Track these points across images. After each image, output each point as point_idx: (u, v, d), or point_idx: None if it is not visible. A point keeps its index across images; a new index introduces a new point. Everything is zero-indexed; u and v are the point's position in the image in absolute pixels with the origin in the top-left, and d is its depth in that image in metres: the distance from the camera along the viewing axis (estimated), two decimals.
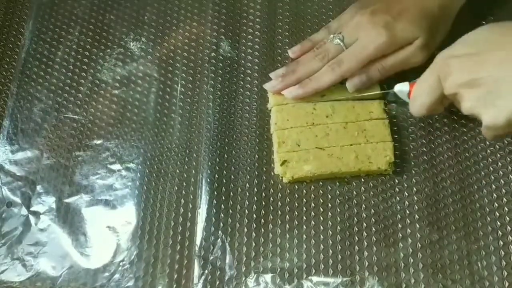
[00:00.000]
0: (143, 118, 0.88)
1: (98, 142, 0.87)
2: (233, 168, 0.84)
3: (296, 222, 0.79)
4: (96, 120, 0.89)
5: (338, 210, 0.80)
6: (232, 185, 0.83)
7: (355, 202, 0.80)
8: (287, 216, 0.80)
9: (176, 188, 0.83)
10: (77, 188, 0.84)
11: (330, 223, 0.79)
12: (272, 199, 0.81)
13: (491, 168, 0.81)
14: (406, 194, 0.80)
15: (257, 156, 0.84)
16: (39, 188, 0.84)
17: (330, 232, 0.78)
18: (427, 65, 0.75)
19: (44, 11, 0.99)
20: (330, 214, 0.79)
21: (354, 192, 0.81)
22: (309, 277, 0.76)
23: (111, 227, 0.81)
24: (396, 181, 0.81)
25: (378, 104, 0.84)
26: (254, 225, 0.80)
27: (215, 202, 0.81)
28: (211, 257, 0.78)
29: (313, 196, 0.81)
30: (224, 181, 0.83)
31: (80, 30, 0.97)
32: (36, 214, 0.82)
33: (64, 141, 0.88)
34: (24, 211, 0.83)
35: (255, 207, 0.81)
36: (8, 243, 0.81)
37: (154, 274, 0.78)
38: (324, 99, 0.84)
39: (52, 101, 0.91)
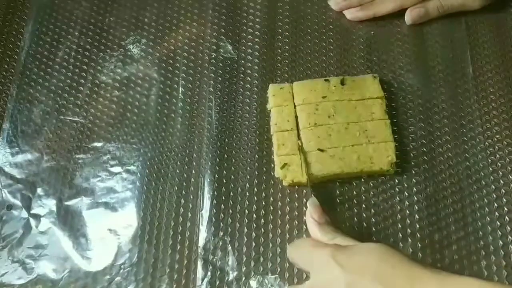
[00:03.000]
0: (144, 120, 0.88)
1: (99, 144, 0.87)
2: (233, 169, 0.84)
3: (297, 222, 0.79)
4: (96, 121, 0.89)
5: (338, 210, 0.80)
6: (232, 185, 0.83)
7: (355, 202, 0.80)
8: (288, 216, 0.80)
9: (176, 188, 0.83)
10: (77, 191, 0.84)
11: None
12: (272, 199, 0.81)
13: (491, 168, 0.81)
14: (406, 194, 0.80)
15: (257, 157, 0.84)
16: (39, 190, 0.84)
17: None
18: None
19: (44, 12, 0.99)
20: (330, 214, 0.79)
21: (354, 192, 0.81)
22: (309, 278, 0.75)
23: (112, 229, 0.81)
24: (396, 181, 0.81)
25: (379, 105, 0.84)
26: (254, 225, 0.80)
27: (215, 202, 0.81)
28: (214, 259, 0.78)
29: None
30: (225, 181, 0.83)
31: (80, 31, 0.97)
32: (37, 216, 0.82)
33: (65, 143, 0.87)
34: (24, 213, 0.83)
35: (255, 207, 0.81)
36: (9, 246, 0.81)
37: (156, 276, 0.78)
38: (326, 100, 0.84)
39: (52, 102, 0.91)
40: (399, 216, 0.79)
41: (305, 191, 0.81)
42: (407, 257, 0.64)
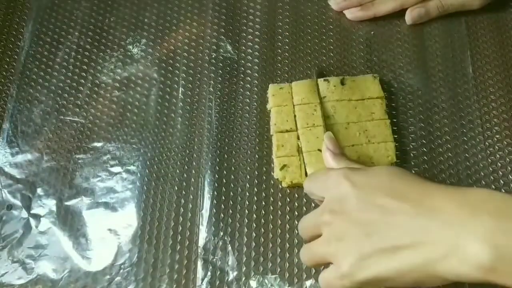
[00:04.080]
0: (144, 120, 0.88)
1: (99, 144, 0.87)
2: (233, 169, 0.84)
3: (296, 222, 0.79)
4: (96, 121, 0.89)
5: None
6: (232, 185, 0.83)
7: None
8: (287, 216, 0.80)
9: (176, 188, 0.83)
10: (77, 191, 0.84)
11: None
12: (272, 199, 0.81)
13: (491, 168, 0.81)
14: None
15: (257, 157, 0.84)
16: (39, 190, 0.84)
17: None
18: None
19: (44, 12, 0.99)
20: None
21: None
22: (310, 278, 0.76)
23: (112, 229, 0.81)
24: None
25: (379, 105, 0.84)
26: (254, 225, 0.80)
27: (215, 202, 0.81)
28: (214, 259, 0.78)
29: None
30: (225, 181, 0.83)
31: (80, 31, 0.97)
32: (37, 216, 0.82)
33: (65, 143, 0.87)
34: (24, 213, 0.83)
35: (255, 207, 0.81)
36: (9, 246, 0.81)
37: (155, 276, 0.78)
38: (325, 100, 0.84)
39: (52, 103, 0.91)
40: None
41: (305, 191, 0.81)
42: (418, 176, 0.65)
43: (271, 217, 0.80)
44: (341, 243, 0.63)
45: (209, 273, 0.77)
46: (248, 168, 0.84)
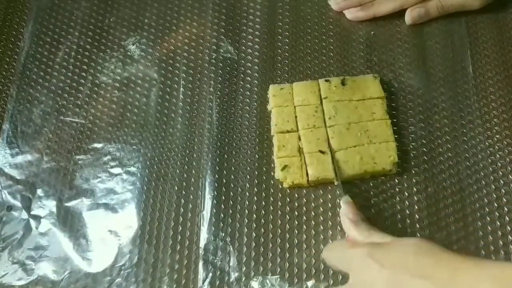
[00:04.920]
0: (144, 120, 0.88)
1: (99, 145, 0.87)
2: (233, 169, 0.84)
3: (296, 223, 0.79)
4: (96, 122, 0.89)
5: (338, 210, 0.79)
6: (232, 186, 0.83)
7: (355, 202, 0.80)
8: (287, 216, 0.80)
9: (176, 189, 0.83)
10: (77, 192, 0.84)
11: (331, 223, 0.79)
12: (272, 199, 0.81)
13: (491, 168, 0.81)
14: (406, 194, 0.80)
15: (257, 157, 0.84)
16: (39, 191, 0.84)
17: (330, 232, 0.78)
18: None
19: (44, 12, 0.99)
20: (330, 214, 0.80)
21: (354, 193, 0.81)
22: (310, 278, 0.76)
23: (112, 230, 0.81)
24: (396, 181, 0.81)
25: (380, 105, 0.84)
26: (255, 225, 0.80)
27: (215, 202, 0.81)
28: (215, 259, 0.78)
29: (313, 196, 0.81)
30: (225, 181, 0.83)
31: (80, 31, 0.97)
32: (37, 218, 0.82)
33: (65, 144, 0.87)
34: (24, 214, 0.83)
35: (255, 208, 0.81)
36: (9, 247, 0.81)
37: (156, 276, 0.78)
38: (326, 100, 0.84)
39: (52, 103, 0.91)
40: (399, 216, 0.79)
41: (305, 191, 0.81)
42: (444, 249, 0.64)
43: (272, 217, 0.80)
44: None
45: (209, 274, 0.77)
46: (248, 169, 0.84)
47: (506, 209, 0.78)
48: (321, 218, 0.80)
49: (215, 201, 0.82)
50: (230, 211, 0.81)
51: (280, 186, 0.82)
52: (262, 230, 0.79)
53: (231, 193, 0.82)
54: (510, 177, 0.80)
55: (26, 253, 0.80)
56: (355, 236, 0.72)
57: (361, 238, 0.71)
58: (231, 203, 0.81)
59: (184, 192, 0.83)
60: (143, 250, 0.79)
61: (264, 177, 0.83)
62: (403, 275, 0.62)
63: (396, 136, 0.83)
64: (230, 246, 0.79)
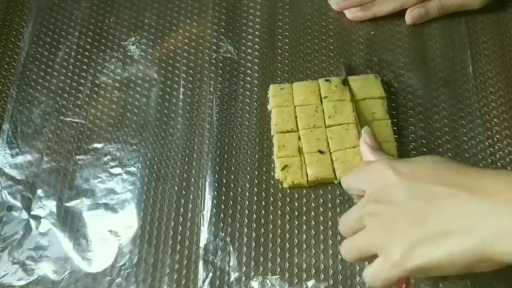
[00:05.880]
0: (144, 120, 0.88)
1: (99, 145, 0.87)
2: (234, 169, 0.84)
3: (296, 223, 0.79)
4: (96, 122, 0.89)
5: (339, 210, 0.80)
6: (233, 186, 0.83)
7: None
8: (287, 216, 0.80)
9: (176, 189, 0.83)
10: (78, 192, 0.84)
11: (331, 223, 0.79)
12: (272, 199, 0.81)
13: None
14: None
15: (257, 157, 0.84)
16: (39, 192, 0.84)
17: (330, 232, 0.78)
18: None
19: (44, 12, 0.99)
20: (330, 214, 0.80)
21: None
22: (311, 278, 0.76)
23: (112, 230, 0.81)
24: None
25: (381, 105, 0.84)
26: (255, 225, 0.80)
27: (215, 202, 0.81)
28: (215, 259, 0.78)
29: (313, 196, 0.81)
30: (225, 181, 0.83)
31: (80, 31, 0.97)
32: (37, 218, 0.82)
33: (65, 144, 0.87)
34: (24, 215, 0.83)
35: (255, 208, 0.81)
36: (9, 247, 0.81)
37: (156, 276, 0.78)
38: (327, 100, 0.84)
39: (52, 103, 0.91)
40: None
41: (305, 191, 0.81)
42: (461, 163, 0.64)
43: (272, 217, 0.80)
44: (389, 232, 0.61)
45: (210, 274, 0.77)
46: (249, 168, 0.84)
47: None
48: (321, 218, 0.79)
49: (215, 201, 0.82)
50: (230, 211, 0.81)
51: (280, 186, 0.82)
52: (262, 230, 0.79)
53: (231, 193, 0.82)
54: None
55: (26, 253, 0.80)
56: (373, 160, 0.72)
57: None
58: (231, 203, 0.81)
59: (184, 192, 0.83)
60: (143, 250, 0.79)
61: (264, 177, 0.83)
62: (423, 182, 0.61)
63: (396, 136, 0.83)
64: (230, 246, 0.79)
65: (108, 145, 0.87)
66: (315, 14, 0.96)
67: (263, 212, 0.80)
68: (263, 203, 0.81)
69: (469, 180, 0.59)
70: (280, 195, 0.82)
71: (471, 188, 0.58)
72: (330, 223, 0.79)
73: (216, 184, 0.83)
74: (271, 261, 0.77)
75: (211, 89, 0.90)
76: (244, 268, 0.77)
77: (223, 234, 0.79)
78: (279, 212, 0.80)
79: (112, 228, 0.81)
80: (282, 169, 0.80)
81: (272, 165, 0.83)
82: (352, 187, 0.71)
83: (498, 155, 0.82)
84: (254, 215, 0.80)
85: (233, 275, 0.77)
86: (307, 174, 0.80)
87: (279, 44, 0.93)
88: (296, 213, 0.80)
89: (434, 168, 0.63)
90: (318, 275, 0.76)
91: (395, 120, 0.85)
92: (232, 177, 0.83)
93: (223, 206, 0.81)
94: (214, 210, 0.81)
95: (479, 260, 0.57)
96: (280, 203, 0.81)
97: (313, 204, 0.80)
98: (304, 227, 0.79)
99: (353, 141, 0.81)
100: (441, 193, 0.59)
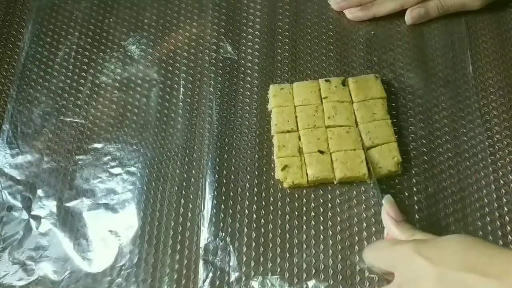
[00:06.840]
0: (144, 121, 0.88)
1: (99, 145, 0.87)
2: (234, 169, 0.84)
3: (296, 222, 0.79)
4: (96, 122, 0.89)
5: (339, 210, 0.80)
6: (233, 186, 0.83)
7: (355, 202, 0.80)
8: (287, 217, 0.80)
9: (176, 189, 0.83)
10: (78, 192, 0.84)
11: (331, 223, 0.79)
12: (272, 199, 0.81)
13: (491, 168, 0.81)
14: (406, 194, 0.80)
15: (257, 157, 0.84)
16: (39, 192, 0.84)
17: (330, 232, 0.78)
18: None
19: (44, 12, 0.99)
20: (330, 214, 0.80)
21: (354, 192, 0.81)
22: (311, 278, 0.76)
23: (112, 230, 0.81)
24: (397, 181, 0.81)
25: (381, 105, 0.84)
26: (254, 225, 0.80)
27: (215, 202, 0.81)
28: (215, 259, 0.78)
29: (313, 196, 0.81)
30: (225, 181, 0.83)
31: (80, 31, 0.97)
32: (37, 218, 0.82)
33: (65, 144, 0.87)
34: (25, 215, 0.83)
35: (255, 208, 0.81)
36: (9, 247, 0.80)
37: (156, 276, 0.78)
38: (327, 100, 0.84)
39: (52, 104, 0.91)
40: None
41: (305, 191, 0.81)
42: (488, 243, 0.63)
43: (272, 217, 0.80)
44: None
45: (210, 274, 0.77)
46: (249, 169, 0.84)
47: (506, 209, 0.78)
48: (321, 218, 0.79)
49: (215, 201, 0.82)
50: (230, 211, 0.81)
51: (280, 186, 0.82)
52: (262, 230, 0.79)
53: (231, 193, 0.82)
54: (510, 177, 0.80)
55: (27, 253, 0.80)
56: (397, 235, 0.71)
57: (404, 237, 0.70)
58: (231, 203, 0.81)
59: (184, 192, 0.83)
60: (143, 250, 0.79)
61: (264, 177, 0.83)
62: (454, 271, 0.60)
63: (396, 136, 0.83)
64: (230, 246, 0.79)
65: (108, 145, 0.87)
66: (315, 14, 0.96)
67: (263, 212, 0.80)
68: (263, 203, 0.81)
69: (500, 267, 0.58)
70: (280, 195, 0.82)
71: (502, 277, 0.57)
72: (330, 223, 0.79)
73: (216, 184, 0.83)
74: (271, 261, 0.77)
75: (211, 89, 0.90)
76: (244, 268, 0.77)
77: (223, 234, 0.79)
78: (279, 212, 0.80)
79: (112, 228, 0.81)
80: (282, 169, 0.80)
81: (272, 165, 0.83)
82: (377, 266, 0.72)
83: (498, 155, 0.82)
84: (254, 215, 0.80)
85: (233, 275, 0.77)
86: (307, 174, 0.80)
87: (279, 44, 0.93)
88: (296, 213, 0.80)
89: (462, 251, 0.62)
90: (318, 275, 0.76)
91: (395, 120, 0.85)
92: (232, 177, 0.83)
93: (223, 206, 0.81)
94: (214, 210, 0.81)
95: None
96: (280, 203, 0.81)
97: (313, 204, 0.80)
98: (304, 227, 0.79)
99: (354, 144, 0.81)
100: (473, 284, 0.59)
